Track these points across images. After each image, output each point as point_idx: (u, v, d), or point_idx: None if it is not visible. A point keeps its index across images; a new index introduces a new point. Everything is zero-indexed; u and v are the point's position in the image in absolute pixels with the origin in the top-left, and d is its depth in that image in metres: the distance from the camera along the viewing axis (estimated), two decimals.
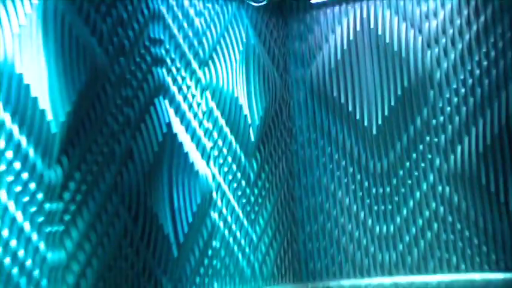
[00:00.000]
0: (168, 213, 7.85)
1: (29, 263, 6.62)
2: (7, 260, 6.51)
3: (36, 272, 6.70)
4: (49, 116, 6.84)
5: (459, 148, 8.48)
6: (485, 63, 8.38)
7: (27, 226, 6.64)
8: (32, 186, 6.73)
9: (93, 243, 7.20)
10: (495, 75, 8.34)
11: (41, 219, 6.77)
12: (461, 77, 8.49)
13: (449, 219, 8.54)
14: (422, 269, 8.63)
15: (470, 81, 8.47)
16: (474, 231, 8.42)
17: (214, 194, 8.42)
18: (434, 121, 8.63)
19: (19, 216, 6.58)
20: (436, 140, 8.61)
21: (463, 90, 8.48)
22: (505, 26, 8.31)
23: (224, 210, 8.53)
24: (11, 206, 6.54)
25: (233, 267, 8.53)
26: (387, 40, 8.84)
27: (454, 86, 8.52)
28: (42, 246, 6.75)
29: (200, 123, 8.32)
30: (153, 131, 7.76)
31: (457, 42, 8.53)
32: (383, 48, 8.88)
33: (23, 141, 6.67)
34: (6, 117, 6.60)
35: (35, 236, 6.71)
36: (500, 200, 8.27)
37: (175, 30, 8.18)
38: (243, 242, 8.70)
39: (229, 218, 8.59)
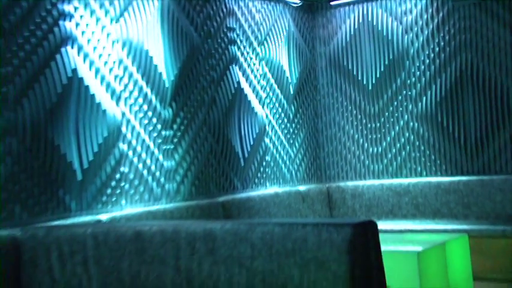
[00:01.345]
0: (237, 138, 8.12)
1: (153, 167, 6.91)
2: (140, 166, 6.82)
3: (157, 173, 6.98)
4: (164, 76, 7.11)
5: (424, 99, 8.68)
6: (442, 43, 8.52)
7: (151, 145, 6.91)
8: (154, 120, 6.97)
9: (191, 156, 7.41)
10: (448, 51, 8.49)
11: (159, 140, 7.03)
12: (427, 52, 8.64)
13: (416, 144, 8.74)
14: (399, 175, 8.86)
15: (432, 55, 8.62)
16: (432, 151, 8.63)
17: (267, 127, 8.81)
18: (408, 81, 8.80)
19: (146, 138, 6.86)
20: (410, 93, 8.78)
21: (427, 60, 8.64)
22: (455, 19, 8.43)
23: (274, 137, 8.72)
24: (142, 132, 6.82)
25: (279, 173, 8.74)
26: (379, 28, 8.99)
27: (422, 58, 8.68)
28: (160, 157, 7.02)
29: (258, 81, 8.49)
30: (228, 87, 8.01)
31: (424, 29, 8.68)
32: (376, 34, 9.04)
33: (149, 92, 6.93)
34: (139, 77, 6.90)
35: (156, 151, 6.97)
36: (449, 130, 8.48)
37: (243, 22, 8.36)
38: (285, 157, 8.88)
39: (278, 142, 8.77)
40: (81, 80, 6.28)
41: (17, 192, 5.71)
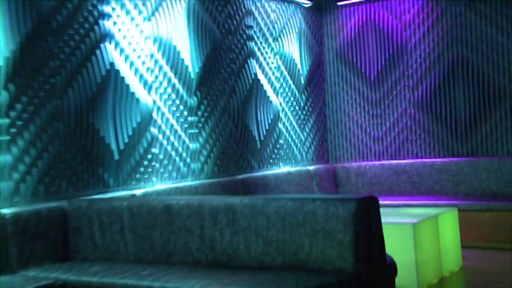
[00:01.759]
0: (254, 123, 8.07)
1: (180, 149, 6.93)
2: (169, 147, 6.82)
3: (184, 154, 6.99)
4: (190, 69, 7.11)
5: (420, 88, 8.64)
6: (436, 39, 8.48)
7: (179, 129, 6.93)
8: (181, 107, 6.97)
9: (214, 139, 7.40)
10: (441, 46, 8.46)
11: (186, 125, 7.03)
12: (423, 47, 8.59)
13: (413, 128, 8.71)
14: (397, 156, 8.83)
15: (427, 49, 8.58)
16: (427, 135, 8.58)
17: (281, 114, 8.83)
18: (406, 72, 8.75)
19: (174, 123, 6.87)
20: (407, 83, 8.74)
21: (423, 54, 8.58)
22: (447, 18, 8.38)
23: (286, 122, 8.68)
24: (170, 118, 6.83)
25: (291, 154, 8.71)
26: (381, 26, 8.93)
27: (419, 52, 8.64)
28: (186, 140, 7.03)
29: (273, 73, 8.45)
30: (246, 78, 7.97)
31: (420, 27, 8.61)
32: (378, 31, 8.98)
33: (176, 82, 6.94)
34: (168, 69, 6.87)
35: (183, 135, 6.98)
36: (442, 117, 8.44)
37: (259, 20, 8.31)
38: (296, 140, 8.84)
39: (290, 127, 8.74)
40: (117, 72, 6.32)
41: (63, 170, 5.77)
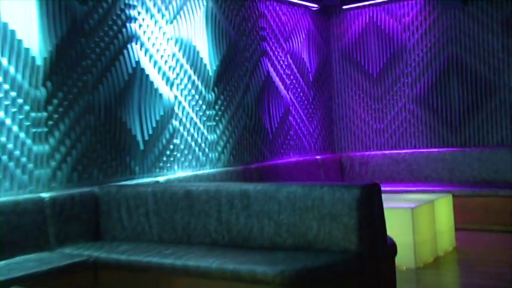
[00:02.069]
0: (267, 116, 8.07)
1: (199, 140, 6.93)
2: (189, 138, 6.84)
3: (202, 145, 6.99)
4: (208, 67, 7.09)
5: (418, 85, 8.61)
6: (433, 40, 8.44)
7: (198, 122, 6.97)
8: (200, 102, 6.96)
9: (230, 131, 7.41)
10: (437, 46, 8.42)
11: (204, 118, 7.04)
12: (421, 47, 8.56)
13: (412, 121, 8.69)
14: (397, 146, 8.81)
15: (425, 49, 8.54)
16: (424, 128, 8.56)
17: (291, 108, 8.60)
18: (406, 70, 8.72)
19: (194, 117, 6.87)
20: (407, 80, 8.71)
21: (421, 54, 8.54)
22: (443, 21, 8.34)
23: (296, 116, 8.65)
24: (190, 111, 6.80)
25: (300, 144, 8.67)
26: (382, 28, 8.89)
27: (417, 52, 8.59)
28: (205, 132, 7.05)
29: (284, 71, 8.41)
30: (260, 76, 7.95)
31: (419, 28, 8.58)
32: (380, 32, 8.94)
33: (196, 79, 6.87)
34: (188, 67, 6.92)
35: (201, 127, 7.01)
36: (438, 111, 8.41)
37: (271, 22, 8.29)
38: (305, 132, 8.80)
39: (299, 120, 8.68)
40: (142, 70, 6.36)
41: (94, 158, 5.83)
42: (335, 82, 9.43)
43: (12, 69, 5.18)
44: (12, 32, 5.19)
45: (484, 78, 8.19)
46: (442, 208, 6.34)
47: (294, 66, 8.72)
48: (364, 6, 9.09)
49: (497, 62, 8.10)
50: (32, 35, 5.32)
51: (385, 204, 4.41)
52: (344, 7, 9.20)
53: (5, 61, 5.12)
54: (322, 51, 9.35)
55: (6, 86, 5.13)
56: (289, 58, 8.62)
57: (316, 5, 9.10)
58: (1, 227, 4.80)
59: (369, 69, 9.11)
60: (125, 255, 4.73)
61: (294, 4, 8.79)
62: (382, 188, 4.47)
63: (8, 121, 5.13)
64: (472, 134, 8.30)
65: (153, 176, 6.38)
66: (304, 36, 9.00)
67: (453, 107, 8.40)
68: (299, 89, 8.81)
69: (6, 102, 5.13)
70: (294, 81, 8.71)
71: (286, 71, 8.56)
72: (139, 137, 6.29)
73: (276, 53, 8.39)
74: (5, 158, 5.10)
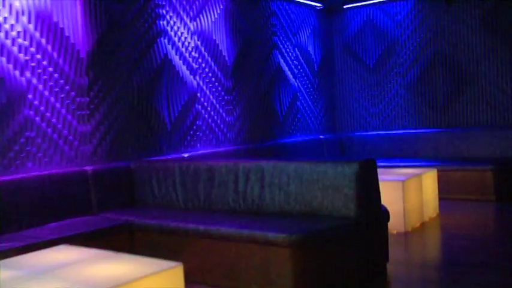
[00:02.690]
0: (277, 101, 8.03)
1: (218, 121, 6.92)
2: (210, 120, 6.90)
3: (221, 125, 6.93)
4: (226, 58, 7.07)
5: (409, 74, 8.53)
6: (422, 35, 8.34)
7: (217, 106, 6.91)
8: (219, 88, 6.89)
9: (245, 114, 7.33)
10: (426, 40, 8.34)
11: (223, 103, 6.97)
12: (411, 41, 8.47)
13: (403, 106, 8.60)
14: (392, 128, 8.75)
15: (415, 43, 8.46)
16: (413, 111, 8.49)
17: (298, 94, 8.64)
18: (398, 61, 8.64)
19: (214, 101, 6.84)
20: (399, 70, 8.63)
21: (412, 47, 8.47)
22: (431, 19, 8.26)
23: (303, 100, 8.58)
24: (211, 97, 6.79)
25: (306, 125, 8.64)
26: (378, 24, 8.81)
27: (408, 46, 8.52)
28: (224, 114, 6.98)
29: (292, 61, 8.34)
30: (271, 66, 7.88)
31: (410, 25, 8.50)
32: (376, 28, 8.85)
33: (216, 69, 6.85)
34: (209, 58, 6.86)
35: (220, 110, 6.95)
36: (425, 96, 8.35)
37: (282, 19, 8.22)
38: (310, 114, 8.75)
39: (305, 104, 8.64)
40: (170, 60, 6.36)
41: (129, 137, 5.86)
42: (337, 71, 9.36)
43: (61, 61, 5.24)
44: (62, 29, 5.24)
45: (465, 68, 8.12)
46: (428, 181, 6.33)
47: (301, 58, 8.66)
48: (362, 5, 9.01)
49: (475, 55, 8.03)
50: (77, 31, 5.36)
51: (379, 177, 4.41)
52: (345, 6, 9.13)
53: (55, 54, 5.17)
54: (325, 44, 9.27)
55: (56, 75, 5.19)
56: (296, 50, 8.56)
57: (320, 4, 9.02)
58: (54, 195, 4.87)
59: (366, 60, 9.03)
60: (156, 220, 4.75)
61: (301, 4, 8.71)
62: (378, 164, 4.45)
63: (58, 105, 5.20)
64: (454, 117, 8.24)
65: (178, 153, 6.40)
66: (310, 31, 8.92)
67: (438, 93, 8.33)
68: (305, 78, 8.75)
69: (56, 89, 5.19)
70: (301, 70, 8.66)
71: (294, 61, 8.50)
72: (167, 119, 6.30)
73: (286, 46, 8.34)
74: (55, 136, 5.17)
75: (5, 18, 4.80)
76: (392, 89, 8.77)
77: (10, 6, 4.84)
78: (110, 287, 2.66)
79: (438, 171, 6.75)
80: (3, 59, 4.76)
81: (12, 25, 4.84)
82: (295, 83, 8.48)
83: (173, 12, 6.43)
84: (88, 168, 5.27)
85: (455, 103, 8.22)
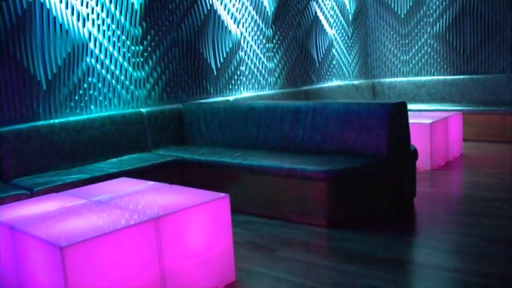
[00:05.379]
0: (314, 49, 7.99)
1: (260, 67, 6.81)
2: (252, 66, 6.78)
3: (263, 71, 6.85)
4: (267, 8, 6.88)
5: (438, 24, 8.13)
6: None
7: (259, 53, 6.78)
8: (261, 37, 6.78)
9: (284, 60, 7.22)
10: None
11: (264, 50, 6.83)
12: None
13: (432, 54, 8.24)
14: (419, 74, 8.45)
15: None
16: (441, 59, 8.17)
17: (333, 42, 8.52)
18: (428, 12, 8.23)
19: (256, 48, 6.72)
20: (428, 20, 8.24)
21: (437, 3, 8.34)
22: None
23: (338, 48, 8.37)
24: (253, 44, 6.70)
25: (341, 71, 8.36)
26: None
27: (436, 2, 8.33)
28: (265, 61, 6.91)
29: (328, 12, 8.06)
30: (308, 16, 7.63)
31: None
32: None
33: (258, 19, 6.71)
34: (251, 9, 6.69)
35: (262, 57, 6.84)
36: (453, 45, 8.03)
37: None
38: (345, 61, 8.42)
39: (340, 51, 8.41)
40: (215, 11, 6.23)
41: (179, 82, 5.85)
42: (370, 21, 9.05)
43: (118, 14, 5.22)
44: None
45: (491, 18, 7.76)
46: (453, 123, 6.24)
47: (336, 8, 8.39)
48: None
49: (502, 7, 7.68)
50: None
51: (409, 120, 4.33)
52: None
53: (112, 7, 5.17)
54: None
55: (113, 26, 5.20)
56: (332, 1, 8.29)
57: None
58: (114, 134, 4.95)
59: (398, 11, 8.69)
60: (204, 156, 4.79)
61: None
62: (407, 107, 4.37)
63: (115, 53, 5.21)
64: (479, 64, 7.94)
65: (224, 96, 6.37)
66: None
67: (465, 42, 8.01)
68: (340, 27, 8.51)
69: (114, 39, 5.20)
70: (337, 20, 8.41)
71: (330, 12, 8.25)
72: (213, 65, 6.24)
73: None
74: (113, 81, 5.20)
75: None
76: (422, 38, 8.45)
77: None
78: (166, 214, 2.69)
79: (463, 114, 6.71)
80: (68, 12, 4.76)
81: None
82: (331, 32, 8.27)
83: None
84: (143, 110, 5.32)
85: (481, 51, 7.91)
